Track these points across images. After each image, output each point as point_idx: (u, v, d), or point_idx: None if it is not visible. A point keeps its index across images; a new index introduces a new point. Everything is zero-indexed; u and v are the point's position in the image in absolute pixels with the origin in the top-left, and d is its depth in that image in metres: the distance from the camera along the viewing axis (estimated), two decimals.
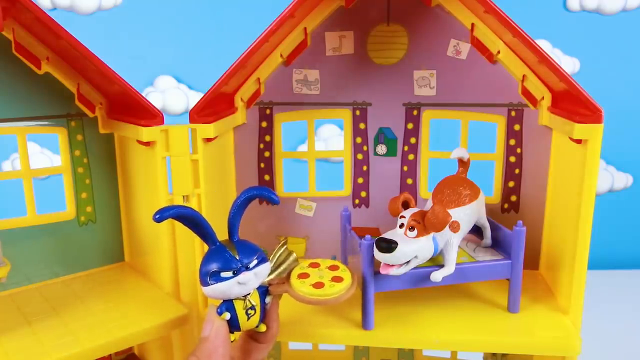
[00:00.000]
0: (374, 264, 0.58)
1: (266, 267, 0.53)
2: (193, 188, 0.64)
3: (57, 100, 0.69)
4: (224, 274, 0.50)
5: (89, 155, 0.72)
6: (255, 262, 0.52)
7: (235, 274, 0.50)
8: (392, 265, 0.56)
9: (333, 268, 0.56)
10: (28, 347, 0.55)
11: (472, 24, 0.67)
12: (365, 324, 0.60)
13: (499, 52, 0.67)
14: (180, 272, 0.66)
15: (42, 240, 0.70)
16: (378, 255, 0.56)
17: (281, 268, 0.56)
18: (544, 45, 1.43)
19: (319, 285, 0.53)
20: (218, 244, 0.52)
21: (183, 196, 0.64)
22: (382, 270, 0.56)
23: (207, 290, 0.51)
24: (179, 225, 0.64)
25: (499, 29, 0.64)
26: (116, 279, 0.72)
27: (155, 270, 0.69)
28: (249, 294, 0.52)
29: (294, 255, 0.57)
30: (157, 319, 0.61)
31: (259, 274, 0.52)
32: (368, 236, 0.58)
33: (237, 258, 0.51)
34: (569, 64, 1.45)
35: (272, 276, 0.55)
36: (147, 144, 0.63)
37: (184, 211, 0.50)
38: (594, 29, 1.44)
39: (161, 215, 0.49)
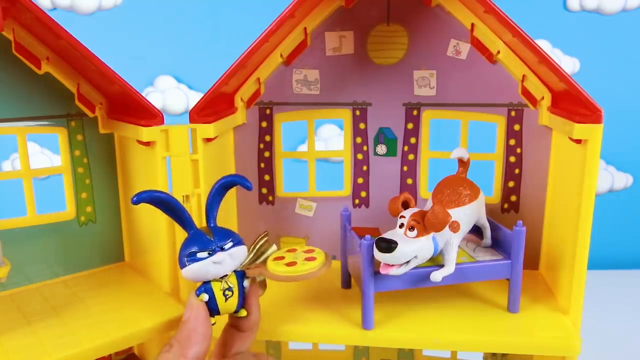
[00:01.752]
0: (374, 264, 0.58)
1: (241, 249, 0.55)
2: (193, 188, 0.64)
3: (57, 100, 0.69)
4: (200, 255, 0.53)
5: (89, 155, 0.72)
6: (230, 244, 0.54)
7: (210, 254, 0.53)
8: (392, 265, 0.56)
9: (308, 251, 0.57)
10: (28, 346, 0.55)
11: (472, 24, 0.67)
12: (365, 324, 0.60)
13: (499, 52, 0.67)
14: (180, 272, 0.66)
15: (42, 240, 0.70)
16: (378, 255, 0.56)
17: (262, 258, 0.58)
18: (544, 45, 1.43)
19: (291, 264, 0.55)
20: (195, 229, 0.55)
21: (183, 196, 0.64)
22: (382, 270, 0.56)
23: (185, 271, 0.54)
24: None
25: (499, 29, 0.64)
26: (116, 279, 0.72)
27: (155, 270, 0.69)
28: (226, 276, 0.54)
29: (275, 246, 0.58)
30: (156, 319, 0.61)
31: (233, 255, 0.54)
32: (368, 236, 0.58)
33: (212, 240, 0.54)
34: (569, 64, 1.45)
35: (251, 264, 0.57)
36: (147, 144, 0.64)
37: (159, 195, 0.53)
38: (594, 29, 1.44)
39: (138, 198, 0.52)
